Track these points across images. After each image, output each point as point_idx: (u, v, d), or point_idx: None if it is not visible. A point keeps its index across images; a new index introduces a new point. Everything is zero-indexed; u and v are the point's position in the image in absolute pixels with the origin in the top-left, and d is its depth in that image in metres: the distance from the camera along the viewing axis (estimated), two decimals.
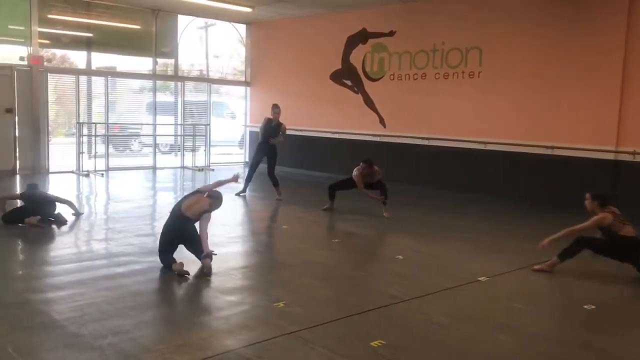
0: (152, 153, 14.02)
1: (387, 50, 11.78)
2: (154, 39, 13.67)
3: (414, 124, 11.35)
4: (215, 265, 5.32)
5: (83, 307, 4.33)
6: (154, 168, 13.68)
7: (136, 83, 14.92)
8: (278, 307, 4.49)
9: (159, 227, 7.64)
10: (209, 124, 14.59)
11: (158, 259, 5.60)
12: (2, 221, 7.06)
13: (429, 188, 10.92)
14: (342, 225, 7.90)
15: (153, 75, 13.91)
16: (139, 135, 15.21)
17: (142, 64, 15.04)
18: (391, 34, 11.67)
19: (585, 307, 4.74)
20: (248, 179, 9.95)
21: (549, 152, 9.41)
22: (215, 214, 8.60)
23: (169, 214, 5.73)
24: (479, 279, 5.43)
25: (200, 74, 17.54)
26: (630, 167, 8.62)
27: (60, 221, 7.22)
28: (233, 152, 18.30)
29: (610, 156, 8.77)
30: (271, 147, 9.80)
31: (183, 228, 5.48)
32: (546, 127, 9.48)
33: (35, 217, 7.05)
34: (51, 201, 7.40)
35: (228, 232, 7.45)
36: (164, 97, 15.84)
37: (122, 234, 6.81)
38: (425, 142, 11.12)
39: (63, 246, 6.42)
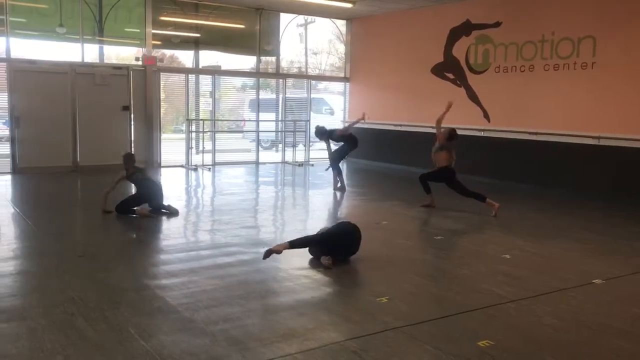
0: (254, 149, 14.49)
1: (492, 42, 11.39)
2: (257, 37, 14.06)
3: (520, 118, 10.91)
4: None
5: (195, 294, 4.55)
6: (256, 163, 14.10)
7: (238, 81, 15.44)
8: (381, 302, 4.48)
9: (262, 219, 7.95)
10: (308, 120, 14.81)
11: (263, 250, 5.78)
12: (116, 211, 7.54)
13: (536, 185, 10.46)
14: (444, 222, 7.73)
15: (257, 73, 14.33)
16: (243, 131, 15.72)
17: (243, 62, 15.56)
18: (497, 24, 11.27)
19: None
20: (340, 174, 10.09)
21: None
22: (314, 208, 8.77)
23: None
24: (594, 281, 5.13)
25: (298, 71, 17.87)
26: None
27: (172, 212, 7.63)
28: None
29: None
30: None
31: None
32: None
33: (146, 208, 7.53)
34: (159, 188, 7.84)
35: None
36: (264, 95, 16.26)
37: (228, 226, 7.08)
38: (533, 137, 10.64)
39: (175, 236, 6.77)
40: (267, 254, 5.18)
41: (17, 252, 5.85)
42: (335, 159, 10.18)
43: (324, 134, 10.12)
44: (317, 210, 8.73)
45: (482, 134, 11.67)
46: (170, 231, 7.01)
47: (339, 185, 10.06)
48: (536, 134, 10.60)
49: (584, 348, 3.76)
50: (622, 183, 9.39)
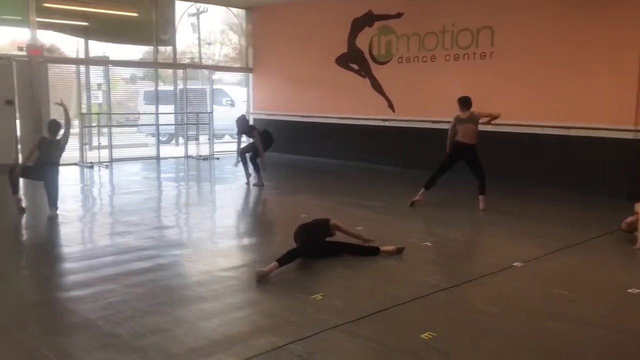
0: (154, 143, 13.78)
1: (395, 33, 11.55)
2: (153, 26, 13.36)
3: (423, 108, 11.16)
4: (242, 258, 5.15)
5: (114, 305, 4.15)
6: (157, 158, 13.43)
7: (125, 72, 14.52)
8: (317, 299, 4.32)
9: (174, 218, 7.54)
10: (211, 112, 14.31)
11: (182, 252, 5.49)
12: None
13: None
14: (361, 212, 7.72)
15: (155, 63, 13.62)
16: (141, 125, 14.90)
17: (132, 52, 14.72)
18: (398, 15, 11.43)
19: (629, 291, 4.61)
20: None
21: (565, 132, 9.27)
22: (226, 204, 8.43)
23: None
24: (514, 264, 5.28)
25: (191, 61, 17.23)
26: None
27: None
28: (235, 140, 18.03)
29: (629, 135, 8.62)
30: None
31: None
32: (562, 107, 9.30)
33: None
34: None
35: (250, 222, 7.30)
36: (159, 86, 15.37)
37: (139, 227, 6.61)
38: (436, 126, 10.91)
39: (79, 241, 6.23)
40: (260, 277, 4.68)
41: None
42: (244, 151, 9.81)
43: (246, 125, 9.72)
44: (229, 207, 8.42)
45: (387, 123, 11.84)
46: (74, 236, 6.43)
47: (250, 179, 9.74)
48: (439, 122, 10.86)
49: (521, 332, 3.82)
50: (522, 167, 9.85)
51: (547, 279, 4.93)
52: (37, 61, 11.36)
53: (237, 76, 16.61)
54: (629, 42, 8.52)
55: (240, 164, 9.75)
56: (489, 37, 10.12)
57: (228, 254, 5.62)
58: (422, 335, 3.68)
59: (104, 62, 12.94)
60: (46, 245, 6.11)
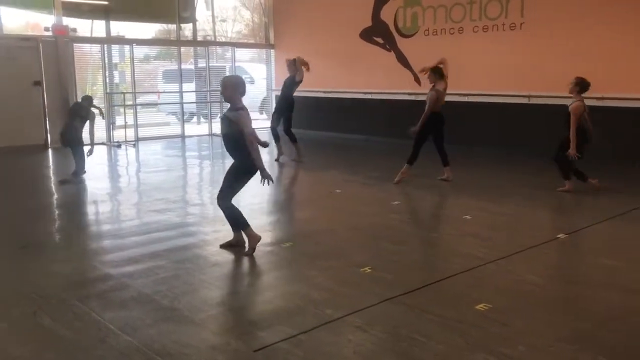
0: (176, 122, 13.84)
1: (421, 5, 11.40)
2: (176, 3, 13.32)
3: (451, 81, 10.89)
4: (287, 232, 5.17)
5: (167, 280, 4.21)
6: (182, 136, 13.48)
7: (140, 51, 14.48)
8: (366, 272, 4.35)
9: (212, 195, 7.47)
10: None
11: (225, 228, 5.52)
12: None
13: (470, 146, 10.65)
14: (395, 188, 7.71)
15: (177, 42, 13.59)
16: (165, 104, 14.94)
17: (146, 31, 14.64)
18: None
19: None
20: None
21: (599, 103, 9.11)
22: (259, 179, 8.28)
23: None
24: (558, 236, 5.26)
25: (204, 38, 17.15)
26: None
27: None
28: (256, 118, 18.01)
29: None
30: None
31: None
32: (596, 78, 9.11)
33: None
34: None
35: (287, 198, 7.33)
36: (171, 65, 15.30)
37: (177, 204, 6.68)
38: (464, 99, 10.82)
39: (123, 218, 6.29)
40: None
41: None
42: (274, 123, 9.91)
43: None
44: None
45: (413, 97, 11.72)
46: (115, 213, 6.52)
47: (281, 155, 9.79)
48: (467, 95, 10.77)
49: (579, 303, 3.81)
50: (554, 140, 9.70)
51: (593, 250, 4.96)
52: (62, 41, 11.39)
53: (251, 53, 16.56)
54: None
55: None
56: (519, 7, 9.94)
57: (269, 229, 5.65)
58: (478, 307, 3.69)
59: (128, 41, 12.91)
60: (90, 222, 6.21)
